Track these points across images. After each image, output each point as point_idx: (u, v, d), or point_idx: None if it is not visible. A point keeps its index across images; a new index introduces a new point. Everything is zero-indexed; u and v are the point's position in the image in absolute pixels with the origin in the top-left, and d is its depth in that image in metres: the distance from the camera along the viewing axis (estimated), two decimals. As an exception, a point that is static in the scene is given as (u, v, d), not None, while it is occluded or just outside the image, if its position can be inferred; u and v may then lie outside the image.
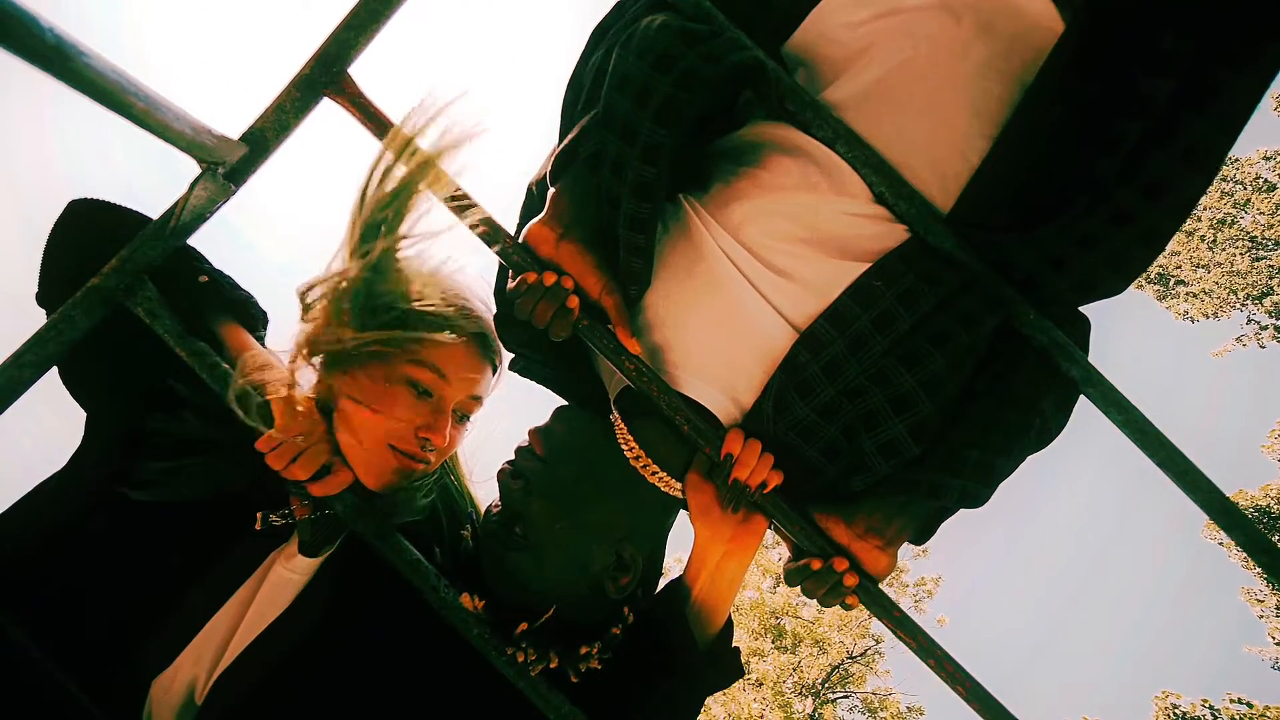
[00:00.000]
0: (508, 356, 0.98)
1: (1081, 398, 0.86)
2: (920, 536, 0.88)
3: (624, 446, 0.85)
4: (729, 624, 0.88)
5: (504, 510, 0.88)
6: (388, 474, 0.81)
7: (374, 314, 0.75)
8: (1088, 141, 0.72)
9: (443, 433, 0.83)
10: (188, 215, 0.79)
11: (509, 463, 0.92)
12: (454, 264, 0.89)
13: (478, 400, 0.91)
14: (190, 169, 0.76)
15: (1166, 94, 0.67)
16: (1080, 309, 0.88)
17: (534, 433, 0.93)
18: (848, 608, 0.84)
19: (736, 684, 11.01)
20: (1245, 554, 0.86)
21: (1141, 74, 0.68)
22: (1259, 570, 0.90)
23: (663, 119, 0.71)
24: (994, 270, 0.80)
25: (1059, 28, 0.78)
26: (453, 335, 0.82)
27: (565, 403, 1.01)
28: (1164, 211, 0.71)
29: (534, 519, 0.85)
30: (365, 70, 0.84)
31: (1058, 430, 0.85)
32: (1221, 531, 0.84)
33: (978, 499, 0.79)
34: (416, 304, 0.78)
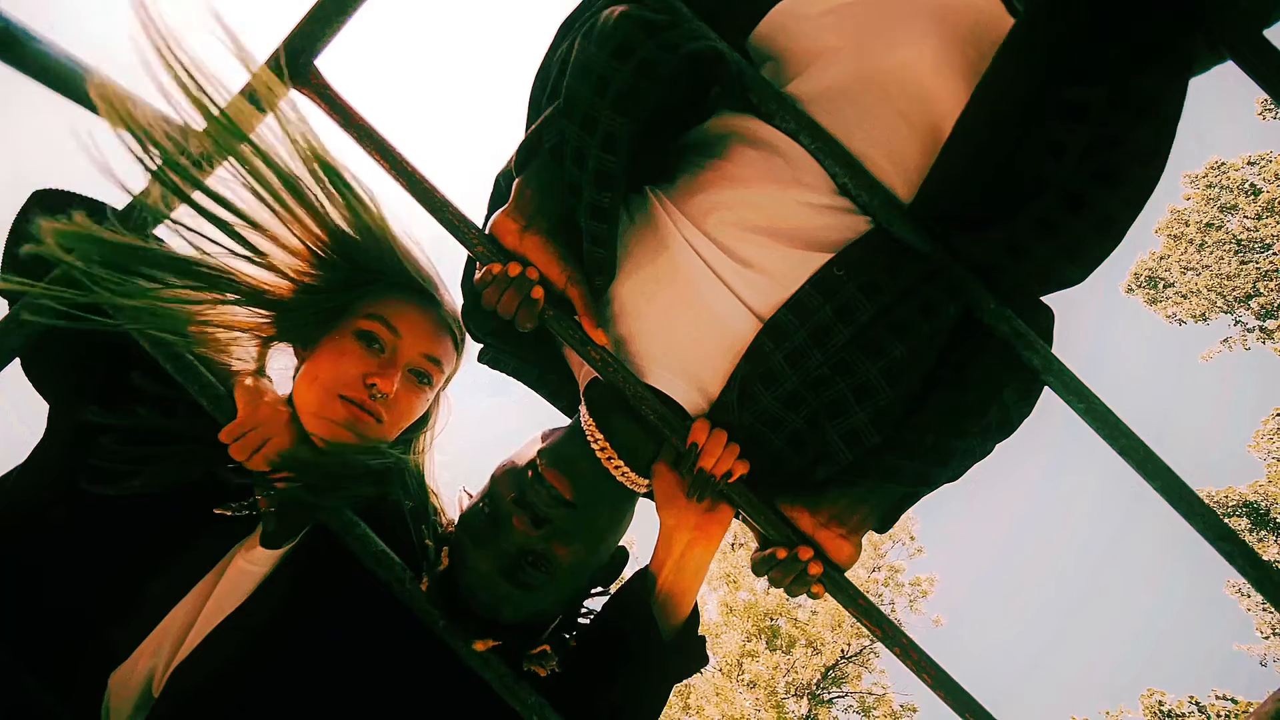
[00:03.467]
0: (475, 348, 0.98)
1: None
2: (883, 525, 0.88)
3: (591, 440, 0.85)
4: (695, 612, 0.88)
5: (513, 550, 0.79)
6: (339, 426, 0.81)
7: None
8: (1039, 135, 0.73)
9: (390, 380, 0.83)
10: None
11: (519, 504, 0.80)
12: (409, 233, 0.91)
13: (435, 363, 0.90)
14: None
15: (1102, 97, 0.68)
16: (1045, 300, 0.89)
17: (554, 472, 0.81)
18: (814, 596, 0.85)
19: (731, 685, 11.01)
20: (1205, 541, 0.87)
21: (1075, 78, 0.70)
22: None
23: (621, 107, 0.71)
24: (954, 260, 0.81)
25: (1008, 23, 0.79)
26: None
27: (574, 425, 0.94)
28: (1118, 199, 0.72)
29: (558, 560, 0.80)
30: (332, 62, 0.85)
31: (1020, 419, 0.86)
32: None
33: (931, 481, 0.80)
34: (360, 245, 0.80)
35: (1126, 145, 0.69)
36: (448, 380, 1.00)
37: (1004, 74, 0.73)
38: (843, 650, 11.84)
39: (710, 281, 0.81)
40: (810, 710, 11.35)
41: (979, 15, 0.82)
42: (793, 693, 11.43)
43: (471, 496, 0.91)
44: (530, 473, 0.82)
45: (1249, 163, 10.88)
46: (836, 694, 11.98)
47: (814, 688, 11.54)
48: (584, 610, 0.92)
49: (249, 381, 0.82)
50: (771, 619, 11.92)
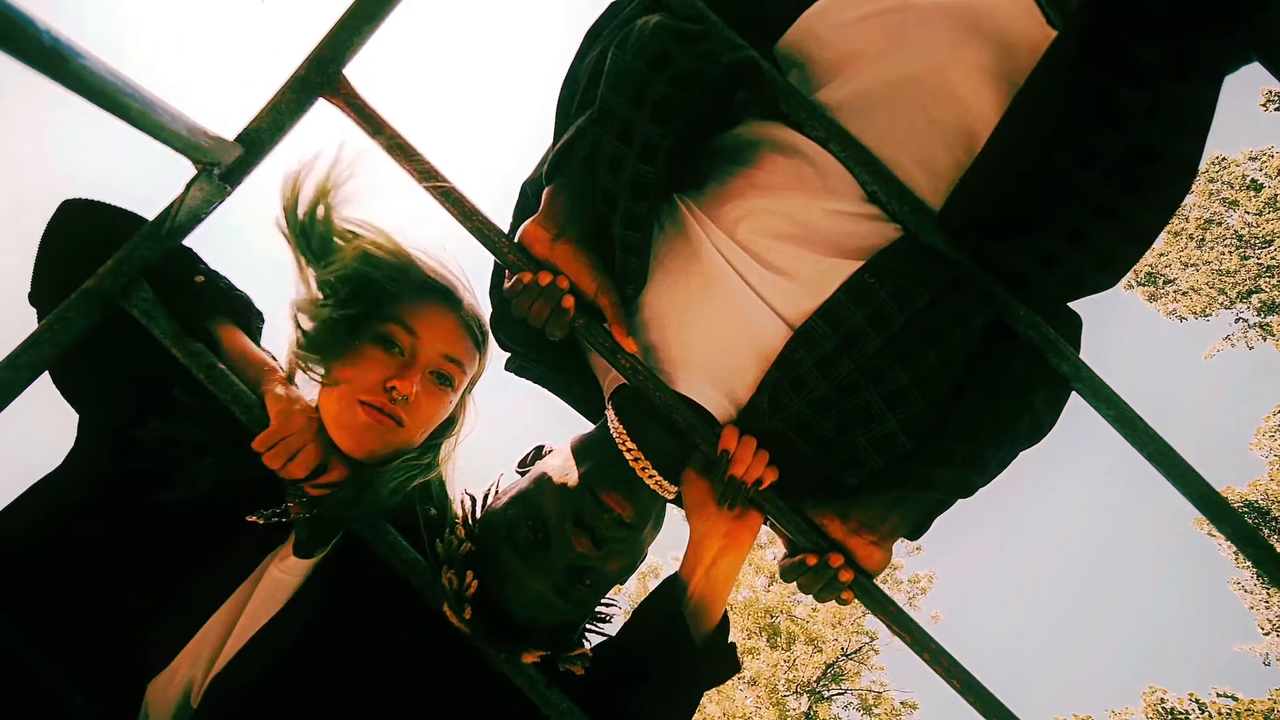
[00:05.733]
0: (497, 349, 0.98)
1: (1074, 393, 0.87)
2: (915, 532, 0.89)
3: (621, 447, 0.85)
4: (725, 619, 0.88)
5: (563, 568, 0.80)
6: (361, 431, 0.80)
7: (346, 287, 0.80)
8: (1073, 139, 0.73)
9: (410, 381, 0.82)
10: (183, 216, 0.79)
11: (580, 526, 0.82)
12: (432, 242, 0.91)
13: (456, 364, 0.89)
14: (187, 169, 0.76)
15: (1142, 104, 0.68)
16: (1072, 306, 0.90)
17: (614, 496, 0.83)
18: (843, 603, 0.85)
19: (731, 683, 11.05)
20: (1234, 546, 0.88)
21: (1120, 84, 0.70)
22: (1248, 563, 0.92)
23: (659, 118, 0.71)
24: (984, 268, 0.81)
25: (1047, 34, 0.79)
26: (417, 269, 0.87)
27: (603, 435, 0.96)
28: (1151, 209, 0.72)
29: (609, 574, 0.85)
30: (361, 71, 0.85)
31: (1049, 426, 0.86)
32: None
33: (967, 489, 0.81)
34: (377, 255, 0.82)
35: (1162, 157, 0.69)
36: (472, 383, 0.99)
37: (1044, 84, 0.73)
38: (843, 647, 11.87)
39: (741, 289, 0.82)
40: (811, 707, 11.39)
41: (1012, 23, 0.82)
42: (793, 690, 11.46)
43: (474, 499, 0.91)
44: (588, 495, 0.83)
45: (1250, 158, 10.87)
46: (836, 691, 12.01)
47: (814, 685, 11.57)
48: (605, 601, 0.94)
49: (280, 390, 0.82)
50: (771, 616, 11.95)
